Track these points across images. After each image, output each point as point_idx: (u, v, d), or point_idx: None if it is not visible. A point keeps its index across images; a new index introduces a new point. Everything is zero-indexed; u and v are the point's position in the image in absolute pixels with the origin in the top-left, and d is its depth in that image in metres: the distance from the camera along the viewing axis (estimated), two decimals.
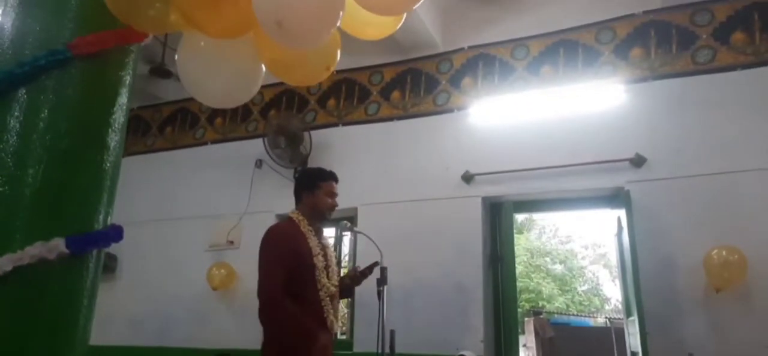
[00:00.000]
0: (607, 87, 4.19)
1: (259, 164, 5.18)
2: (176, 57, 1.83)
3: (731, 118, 3.83)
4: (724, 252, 3.51)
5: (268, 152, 4.98)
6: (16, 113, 1.39)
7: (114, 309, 5.06)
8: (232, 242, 5.03)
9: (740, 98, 3.84)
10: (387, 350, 2.51)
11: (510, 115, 4.45)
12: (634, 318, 3.73)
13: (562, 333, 16.07)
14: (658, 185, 3.90)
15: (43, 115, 1.41)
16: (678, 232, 3.77)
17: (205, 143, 5.69)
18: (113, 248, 5.44)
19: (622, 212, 4.00)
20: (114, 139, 1.53)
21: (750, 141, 3.74)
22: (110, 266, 5.32)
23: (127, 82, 1.64)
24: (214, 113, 5.75)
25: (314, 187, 2.67)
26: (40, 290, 1.28)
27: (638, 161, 3.96)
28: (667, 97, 4.05)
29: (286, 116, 5.12)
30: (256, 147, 5.17)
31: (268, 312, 2.35)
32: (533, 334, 15.48)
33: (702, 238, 3.65)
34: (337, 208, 2.73)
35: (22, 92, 1.42)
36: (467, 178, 4.43)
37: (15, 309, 1.24)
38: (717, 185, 3.75)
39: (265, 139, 4.99)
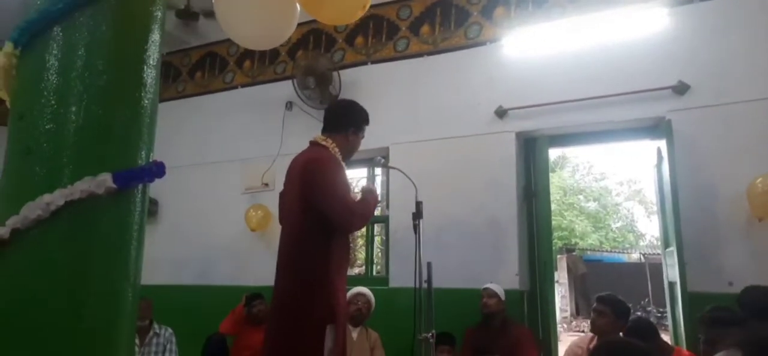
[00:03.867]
0: (649, 11, 3.97)
1: (289, 106, 5.19)
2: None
3: None
4: None
5: (297, 94, 4.98)
6: (54, 51, 1.40)
7: (158, 251, 5.26)
8: (266, 185, 5.12)
9: None
10: (424, 282, 2.55)
11: (545, 45, 4.30)
12: (673, 248, 3.68)
13: (595, 269, 16.11)
14: (701, 113, 3.76)
15: (80, 52, 1.41)
16: (720, 161, 3.66)
17: (235, 87, 5.71)
18: (154, 193, 5.63)
19: (662, 143, 3.88)
20: (150, 75, 1.53)
21: None
22: (152, 210, 5.50)
23: (159, 17, 1.62)
24: (243, 56, 5.74)
25: (360, 128, 2.57)
26: (91, 223, 1.32)
27: (681, 89, 3.80)
28: (713, 19, 3.84)
29: (314, 57, 5.07)
30: (285, 89, 5.17)
31: (355, 222, 2.36)
32: (566, 271, 15.54)
33: (745, 166, 3.54)
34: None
35: (57, 30, 1.42)
36: (500, 113, 4.35)
37: (70, 240, 1.29)
38: (763, 111, 3.59)
39: (294, 80, 4.97)
